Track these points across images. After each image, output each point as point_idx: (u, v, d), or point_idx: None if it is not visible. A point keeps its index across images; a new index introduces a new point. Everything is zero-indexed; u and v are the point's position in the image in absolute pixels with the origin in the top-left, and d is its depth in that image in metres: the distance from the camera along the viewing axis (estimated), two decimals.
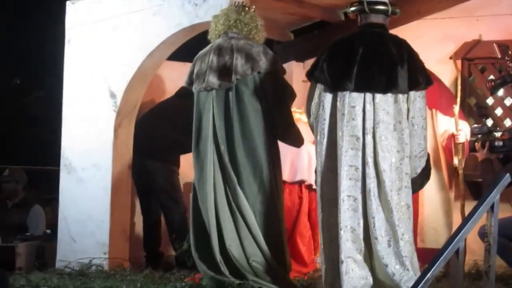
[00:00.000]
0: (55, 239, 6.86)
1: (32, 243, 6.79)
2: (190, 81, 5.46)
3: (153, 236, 6.95)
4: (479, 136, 6.06)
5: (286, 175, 6.02)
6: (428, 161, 4.99)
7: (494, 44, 6.18)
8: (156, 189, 6.88)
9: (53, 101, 7.87)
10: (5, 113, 13.58)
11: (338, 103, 4.84)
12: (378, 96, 4.78)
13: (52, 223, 7.83)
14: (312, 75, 4.99)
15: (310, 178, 6.15)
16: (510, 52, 6.06)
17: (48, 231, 7.18)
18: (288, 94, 5.41)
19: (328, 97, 4.89)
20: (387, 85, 4.77)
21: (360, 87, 4.79)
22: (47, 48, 10.64)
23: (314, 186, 6.14)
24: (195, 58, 5.50)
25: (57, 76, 7.27)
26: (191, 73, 5.46)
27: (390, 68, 4.78)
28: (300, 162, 6.19)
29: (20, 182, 7.62)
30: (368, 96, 4.79)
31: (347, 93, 4.81)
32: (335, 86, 4.85)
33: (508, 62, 6.02)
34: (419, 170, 4.94)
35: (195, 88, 5.41)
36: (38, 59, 12.40)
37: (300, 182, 6.22)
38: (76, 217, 6.70)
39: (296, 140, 5.52)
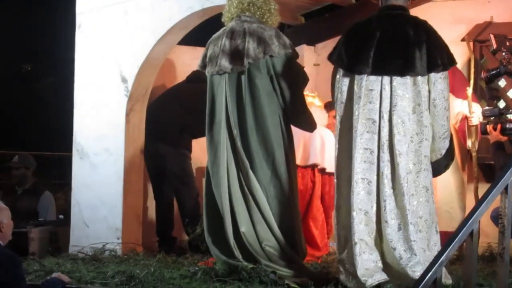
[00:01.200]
0: (68, 224, 6.87)
1: (45, 228, 6.80)
2: (204, 65, 5.45)
3: (166, 220, 6.95)
4: (491, 118, 6.04)
5: (299, 159, 6.02)
6: (451, 141, 4.99)
7: (491, 34, 6.13)
8: (168, 174, 6.89)
9: (65, 87, 7.89)
10: (16, 99, 13.63)
11: (355, 86, 4.85)
12: (396, 78, 4.78)
13: (64, 208, 7.87)
14: (331, 59, 5.02)
15: (323, 161, 6.14)
16: (507, 43, 6.00)
17: (61, 216, 7.20)
18: (300, 78, 5.40)
19: (346, 80, 4.92)
20: (404, 68, 4.77)
21: (377, 70, 4.79)
22: (58, 33, 10.66)
23: (327, 170, 6.15)
24: (208, 42, 5.48)
25: (69, 62, 7.27)
26: (205, 56, 5.45)
27: (407, 51, 4.78)
28: (313, 146, 6.18)
29: (30, 168, 7.62)
30: (386, 79, 4.79)
31: (364, 76, 4.82)
32: (353, 69, 4.87)
33: (504, 53, 5.96)
34: (443, 151, 4.96)
35: (208, 72, 5.40)
36: (50, 45, 12.42)
37: (313, 166, 6.21)
38: (89, 202, 6.72)
39: (309, 124, 5.53)
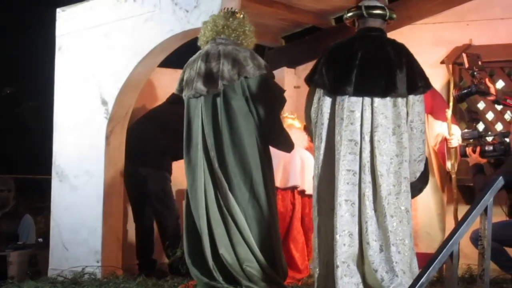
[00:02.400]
0: (48, 247, 6.82)
1: (24, 251, 6.75)
2: (181, 88, 5.46)
3: (146, 243, 6.92)
4: (470, 141, 6.07)
5: (278, 181, 6.01)
6: (426, 165, 5.00)
7: (463, 53, 6.17)
8: (149, 195, 6.86)
9: (46, 110, 7.86)
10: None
11: (337, 107, 4.83)
12: (377, 100, 4.78)
13: (44, 232, 7.81)
14: (311, 80, 4.99)
15: (303, 183, 6.14)
16: (479, 63, 6.04)
17: (40, 239, 7.15)
18: (277, 99, 5.40)
19: (327, 101, 4.89)
20: (386, 89, 4.77)
21: (359, 91, 4.79)
22: (39, 56, 10.65)
23: (307, 192, 6.14)
24: (185, 65, 5.50)
25: (50, 85, 7.25)
26: (181, 80, 5.46)
27: (389, 72, 4.79)
28: (293, 168, 6.18)
29: (11, 191, 7.58)
30: (367, 100, 4.79)
31: (346, 98, 4.81)
32: (335, 90, 4.85)
33: (475, 72, 5.99)
34: (418, 174, 4.95)
35: (185, 95, 5.40)
36: (30, 68, 12.40)
37: (293, 188, 6.21)
38: (68, 224, 6.67)
39: (286, 145, 5.53)
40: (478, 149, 5.93)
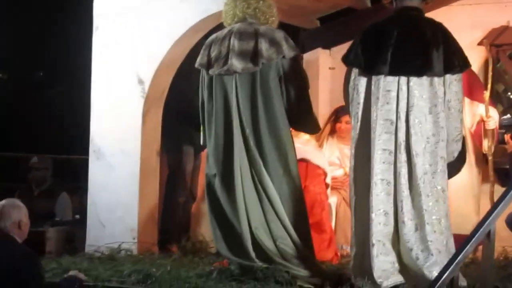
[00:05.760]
0: (84, 224, 6.91)
1: (61, 228, 6.87)
2: (206, 64, 5.41)
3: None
4: (509, 127, 6.05)
5: None
6: (464, 144, 5.00)
7: None
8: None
9: (78, 92, 7.94)
10: (30, 105, 13.73)
11: (372, 86, 4.85)
12: (413, 79, 4.79)
13: (79, 210, 7.90)
14: (347, 60, 5.03)
15: None
16: None
17: (77, 216, 7.25)
18: (307, 81, 5.46)
19: (363, 81, 4.92)
20: (422, 68, 4.78)
21: (395, 71, 4.80)
22: (73, 38, 10.74)
23: None
24: (208, 42, 5.49)
25: (83, 67, 7.32)
26: (207, 56, 5.42)
27: (425, 51, 4.79)
28: None
29: (48, 170, 7.69)
30: (403, 79, 4.80)
31: (381, 77, 4.82)
32: (370, 70, 4.87)
33: None
34: (456, 154, 4.97)
35: (213, 72, 5.40)
36: (66, 48, 12.50)
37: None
38: (105, 202, 6.74)
39: (313, 125, 5.59)
40: None
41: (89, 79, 7.10)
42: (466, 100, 6.15)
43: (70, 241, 6.81)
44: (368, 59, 4.89)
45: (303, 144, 6.17)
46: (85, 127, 7.08)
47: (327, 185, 6.37)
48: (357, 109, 4.94)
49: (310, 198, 6.07)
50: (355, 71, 4.97)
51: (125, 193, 6.66)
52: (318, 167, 6.31)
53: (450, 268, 3.94)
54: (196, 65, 5.52)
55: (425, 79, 4.80)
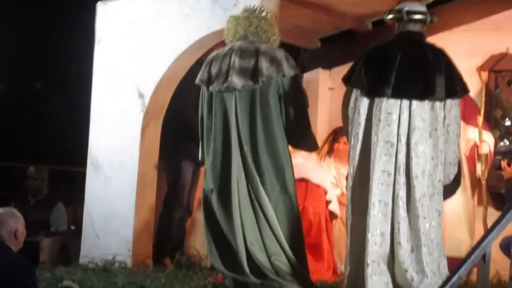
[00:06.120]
0: (78, 236, 6.91)
1: (56, 238, 6.87)
2: (206, 80, 5.47)
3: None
4: (506, 153, 6.09)
5: None
6: (459, 167, 5.04)
7: None
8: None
9: (80, 103, 7.96)
10: (31, 115, 13.78)
11: (374, 108, 4.88)
12: (415, 103, 4.83)
13: (74, 222, 7.92)
14: (349, 81, 5.05)
15: None
16: None
17: (73, 227, 7.26)
18: (306, 100, 5.51)
19: (365, 102, 4.95)
20: (425, 92, 4.82)
21: (398, 94, 4.84)
22: (75, 51, 10.78)
23: None
24: (209, 58, 5.56)
25: (83, 79, 7.35)
26: (208, 72, 5.48)
27: (428, 75, 4.84)
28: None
29: (45, 180, 7.71)
30: (405, 102, 4.84)
31: (384, 99, 4.86)
32: (373, 91, 4.91)
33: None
34: (452, 177, 5.01)
35: (213, 88, 5.45)
36: (68, 60, 12.55)
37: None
38: (101, 214, 6.75)
39: (311, 144, 5.61)
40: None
41: (89, 91, 7.14)
42: (462, 124, 6.19)
43: (64, 251, 6.81)
44: (372, 81, 4.92)
45: (305, 159, 6.20)
46: (84, 139, 7.11)
47: (327, 202, 6.39)
48: (358, 129, 4.96)
49: (309, 219, 6.11)
50: (356, 92, 5.00)
51: (121, 206, 6.67)
52: (318, 186, 6.35)
53: None
54: (197, 81, 5.57)
55: (426, 103, 4.85)
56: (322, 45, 7.97)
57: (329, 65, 7.80)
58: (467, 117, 6.25)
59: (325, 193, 6.42)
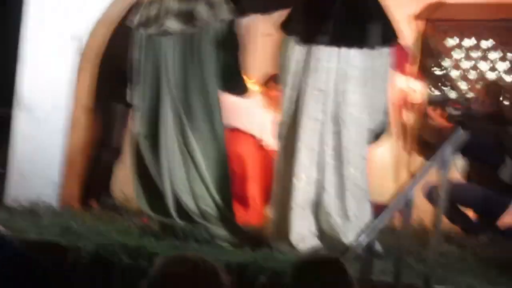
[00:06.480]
0: (4, 177, 6.79)
1: None
2: (141, 24, 5.35)
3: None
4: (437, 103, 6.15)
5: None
6: (387, 114, 5.06)
7: None
8: None
9: (7, 45, 7.72)
10: None
11: (307, 56, 4.85)
12: (350, 50, 4.80)
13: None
14: (285, 27, 5.01)
15: None
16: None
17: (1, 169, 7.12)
18: (241, 45, 5.46)
19: (298, 49, 4.90)
20: (360, 40, 4.81)
21: (333, 41, 4.80)
22: None
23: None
24: (146, 1, 5.41)
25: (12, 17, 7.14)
26: (144, 15, 5.36)
27: (364, 22, 4.81)
28: None
29: None
30: (337, 50, 4.81)
31: (318, 46, 4.82)
32: (307, 38, 4.86)
33: None
34: (380, 124, 5.02)
35: (149, 31, 5.34)
36: None
37: None
38: (28, 156, 6.63)
39: (242, 88, 5.59)
40: (441, 112, 6.02)
41: (17, 34, 6.93)
42: (392, 72, 6.22)
43: None
44: (308, 29, 4.88)
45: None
46: (10, 79, 6.92)
47: (265, 148, 6.37)
48: (290, 77, 4.94)
49: (238, 167, 6.08)
50: (291, 38, 4.95)
51: (50, 147, 6.56)
52: (250, 135, 6.32)
53: (367, 233, 3.96)
54: (133, 24, 5.45)
55: (361, 51, 4.83)
56: None
57: (268, 10, 7.70)
58: (397, 65, 6.25)
59: (259, 140, 6.37)
